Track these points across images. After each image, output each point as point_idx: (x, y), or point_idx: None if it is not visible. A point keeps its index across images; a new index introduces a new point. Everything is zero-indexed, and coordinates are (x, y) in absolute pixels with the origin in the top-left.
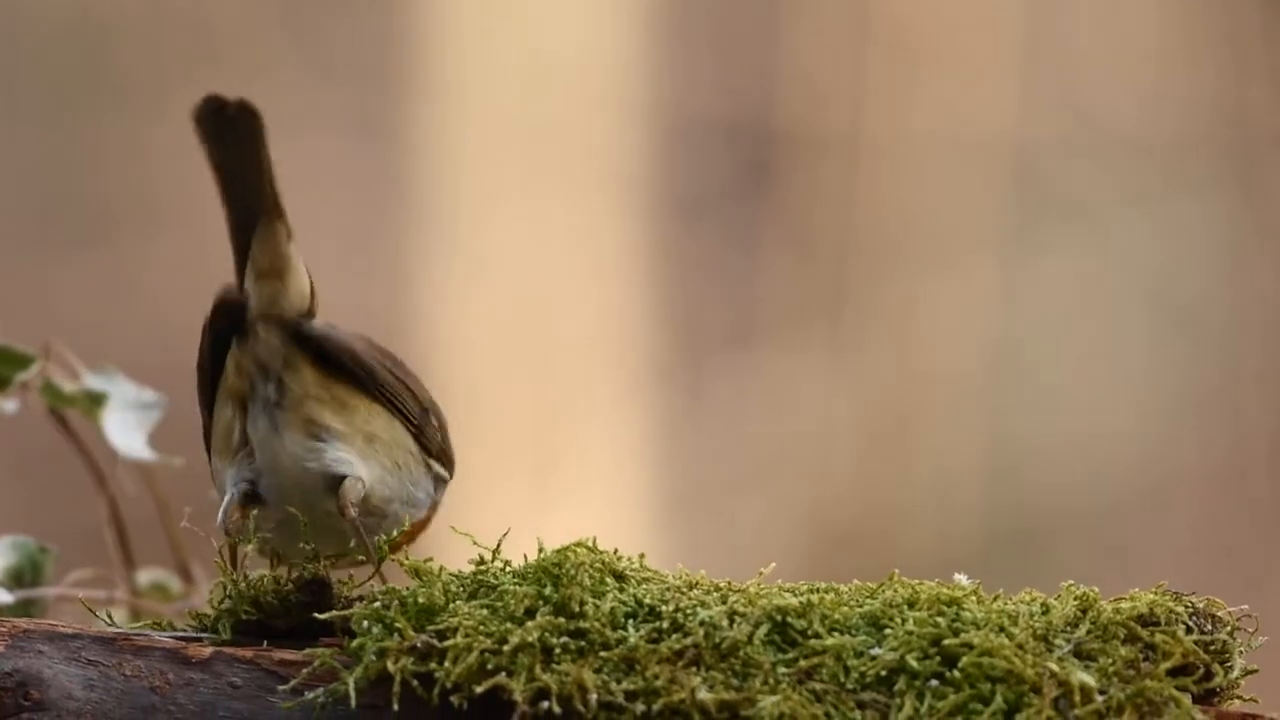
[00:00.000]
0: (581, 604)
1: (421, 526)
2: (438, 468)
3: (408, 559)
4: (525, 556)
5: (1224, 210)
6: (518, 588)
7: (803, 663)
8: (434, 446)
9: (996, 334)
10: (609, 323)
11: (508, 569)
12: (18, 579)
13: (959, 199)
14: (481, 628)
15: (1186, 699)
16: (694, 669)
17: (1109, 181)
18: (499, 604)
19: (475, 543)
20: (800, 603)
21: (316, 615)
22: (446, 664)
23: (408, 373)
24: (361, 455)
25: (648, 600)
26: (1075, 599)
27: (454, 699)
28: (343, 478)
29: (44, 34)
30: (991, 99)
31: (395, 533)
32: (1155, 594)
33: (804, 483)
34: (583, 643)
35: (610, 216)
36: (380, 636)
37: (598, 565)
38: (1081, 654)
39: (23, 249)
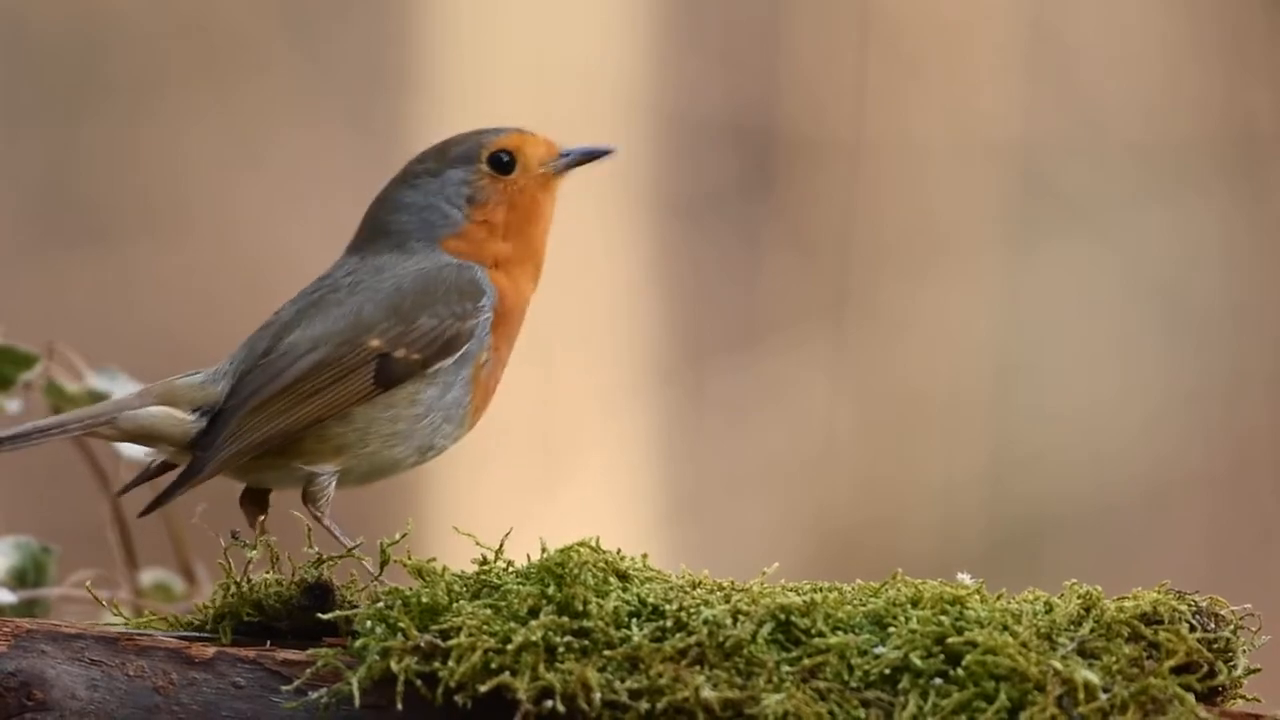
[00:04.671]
0: (585, 603)
1: (487, 384)
2: (434, 365)
3: (410, 559)
4: (528, 556)
5: (1228, 212)
6: (521, 587)
7: (806, 661)
8: (403, 370)
9: (999, 335)
10: (611, 324)
11: (511, 569)
12: (20, 579)
13: (962, 201)
14: (485, 627)
15: (1190, 697)
16: (698, 668)
17: (1112, 183)
18: (502, 604)
19: (478, 543)
20: (804, 601)
21: (320, 615)
22: (450, 663)
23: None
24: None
25: (651, 599)
26: (1078, 598)
27: (458, 698)
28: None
29: (45, 36)
30: (994, 101)
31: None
32: (1158, 593)
33: (807, 482)
34: (586, 642)
35: (613, 218)
36: (384, 636)
37: (601, 565)
38: (1085, 652)
39: (26, 249)
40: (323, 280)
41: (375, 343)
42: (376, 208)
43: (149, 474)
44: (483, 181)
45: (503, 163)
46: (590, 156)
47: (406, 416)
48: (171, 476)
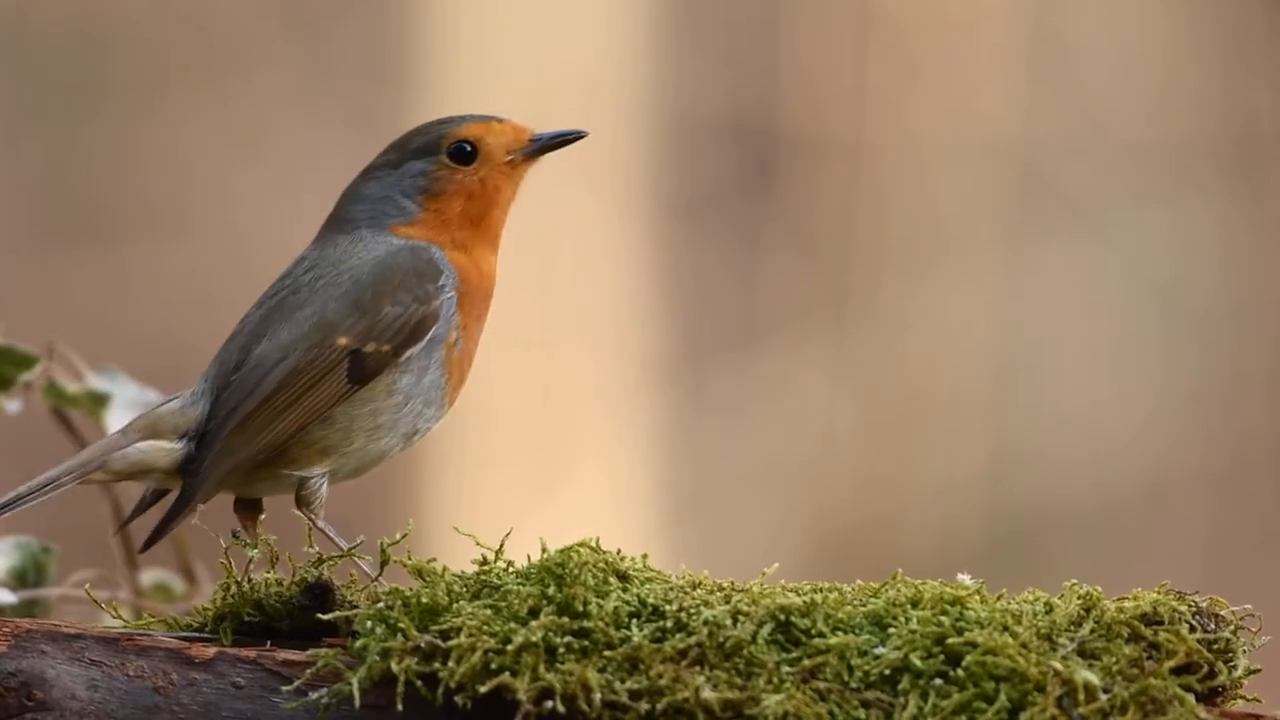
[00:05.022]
0: (585, 604)
1: (461, 363)
2: (405, 353)
3: (410, 559)
4: (528, 557)
5: (1228, 211)
6: (521, 588)
7: (806, 662)
8: (375, 363)
9: (999, 334)
10: (612, 323)
11: (511, 569)
12: (21, 579)
13: (961, 200)
14: (485, 628)
15: (1190, 697)
16: (698, 668)
17: (1112, 182)
18: (502, 604)
19: (478, 543)
20: (804, 602)
21: (320, 616)
22: (450, 664)
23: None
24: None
25: (651, 600)
26: (1078, 598)
27: (458, 699)
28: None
29: (45, 36)
30: (994, 100)
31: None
32: (1158, 593)
33: (807, 482)
34: (586, 642)
35: (613, 217)
36: (384, 637)
37: (601, 565)
38: (1085, 653)
39: (27, 249)
40: (283, 280)
41: (343, 340)
42: (341, 199)
43: (146, 503)
44: (440, 173)
45: (465, 153)
46: (560, 141)
47: (387, 407)
48: (168, 501)
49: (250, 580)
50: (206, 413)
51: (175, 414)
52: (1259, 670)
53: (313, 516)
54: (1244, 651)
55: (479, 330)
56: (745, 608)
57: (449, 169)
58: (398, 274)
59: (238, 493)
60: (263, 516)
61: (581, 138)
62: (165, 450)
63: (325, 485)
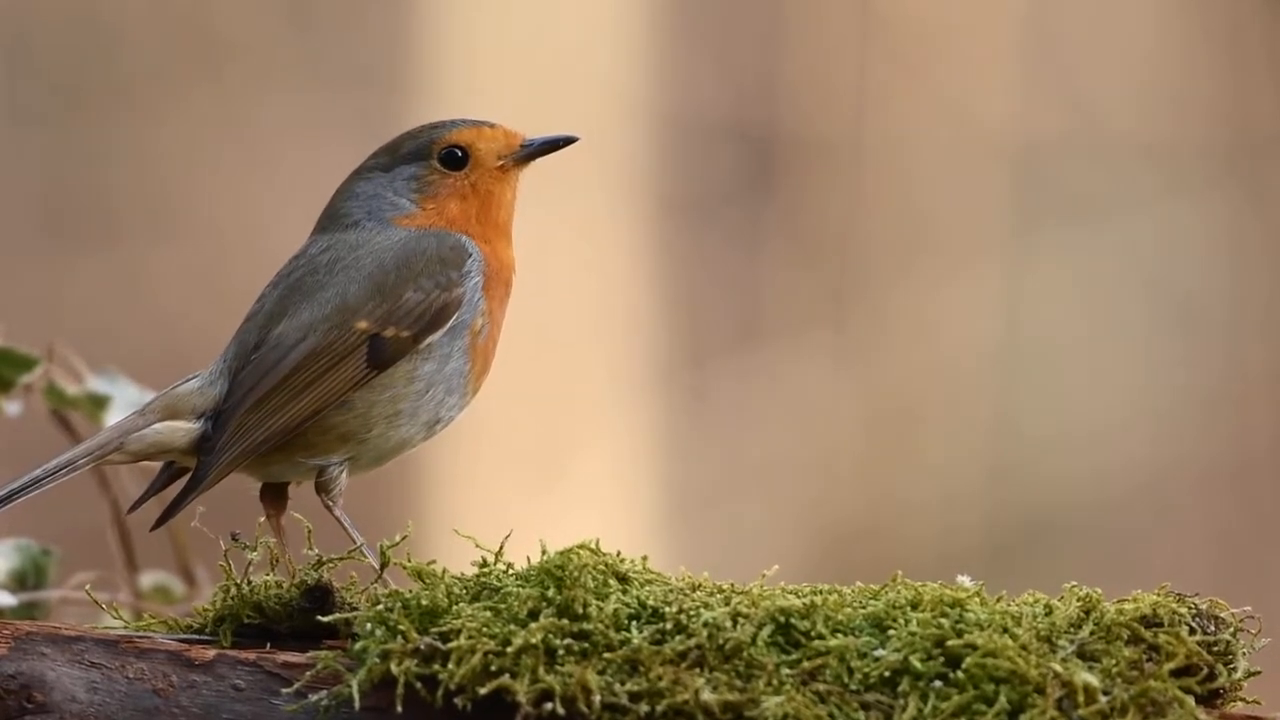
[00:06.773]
0: (585, 606)
1: (486, 350)
2: (425, 340)
3: (410, 561)
4: (528, 559)
5: (1226, 209)
6: (521, 590)
7: (806, 664)
8: (395, 348)
9: (1000, 334)
10: (613, 324)
11: (510, 571)
12: (20, 581)
13: (961, 200)
14: (485, 630)
15: (1190, 700)
16: (698, 670)
17: (1111, 181)
18: (502, 606)
19: (478, 545)
20: (803, 604)
21: (320, 618)
22: (450, 666)
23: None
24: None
25: (651, 602)
26: (1078, 600)
27: (458, 701)
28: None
29: (51, 36)
30: (993, 100)
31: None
32: (1158, 595)
33: (807, 484)
34: (586, 644)
35: (614, 218)
36: (383, 639)
37: (601, 567)
38: (1085, 655)
39: (28, 251)
40: (297, 260)
41: (363, 324)
42: (335, 196)
43: (157, 486)
44: (432, 177)
45: (456, 158)
46: (551, 146)
47: (407, 394)
48: (179, 486)
49: (250, 582)
50: (224, 392)
51: (193, 394)
52: (1259, 672)
53: (329, 503)
54: (1244, 653)
55: (502, 315)
56: (745, 610)
57: (440, 174)
58: (421, 260)
59: (258, 477)
60: (281, 516)
61: (572, 142)
62: (183, 430)
63: (345, 473)
